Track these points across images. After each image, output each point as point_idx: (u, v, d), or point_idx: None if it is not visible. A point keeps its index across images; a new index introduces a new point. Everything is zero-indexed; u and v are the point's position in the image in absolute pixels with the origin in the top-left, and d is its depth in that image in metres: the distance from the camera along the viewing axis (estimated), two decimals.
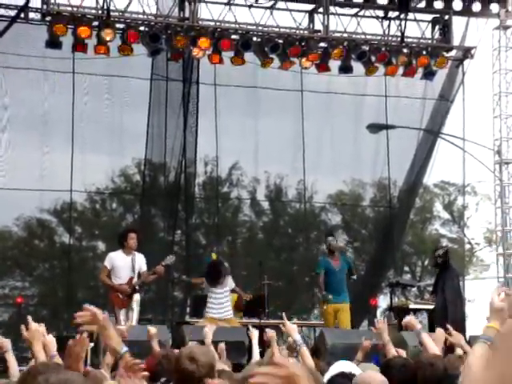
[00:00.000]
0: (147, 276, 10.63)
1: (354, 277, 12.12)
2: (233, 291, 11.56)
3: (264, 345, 7.41)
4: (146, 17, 12.58)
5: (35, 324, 4.62)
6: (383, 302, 16.15)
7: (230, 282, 11.31)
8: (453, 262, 12.23)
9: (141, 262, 10.65)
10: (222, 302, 10.93)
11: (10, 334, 7.77)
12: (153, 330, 7.33)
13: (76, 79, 13.20)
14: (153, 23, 12.48)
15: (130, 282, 10.48)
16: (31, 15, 12.39)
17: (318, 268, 11.95)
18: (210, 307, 10.92)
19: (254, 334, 7.43)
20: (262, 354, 7.50)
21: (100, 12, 12.18)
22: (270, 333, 6.84)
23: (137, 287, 10.54)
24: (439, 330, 6.13)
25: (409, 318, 6.27)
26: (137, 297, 10.58)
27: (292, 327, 5.95)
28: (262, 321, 11.49)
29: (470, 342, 7.06)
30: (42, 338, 4.49)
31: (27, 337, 4.50)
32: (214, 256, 12.19)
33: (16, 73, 12.86)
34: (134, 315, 10.43)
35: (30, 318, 4.73)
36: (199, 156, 14.40)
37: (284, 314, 6.52)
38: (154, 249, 14.33)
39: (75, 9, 12.16)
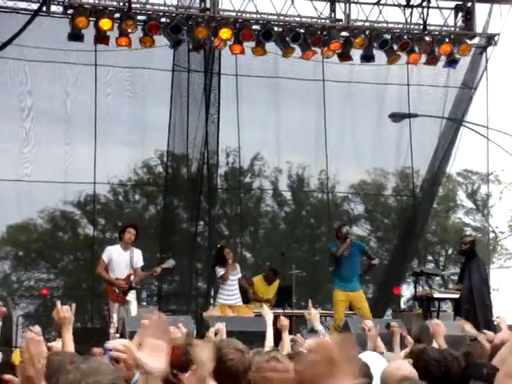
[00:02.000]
0: (144, 275, 10.72)
1: (375, 261, 11.90)
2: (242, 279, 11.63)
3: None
4: (167, 8, 12.58)
5: (66, 307, 4.64)
6: (407, 291, 16.11)
7: (239, 269, 11.43)
8: (478, 252, 12.17)
9: (137, 257, 10.67)
10: (233, 288, 11.07)
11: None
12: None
13: (98, 72, 13.25)
14: (174, 14, 12.48)
15: (128, 279, 10.52)
16: (53, 8, 12.42)
17: (330, 248, 11.93)
18: (222, 293, 11.10)
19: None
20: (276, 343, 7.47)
21: (121, 4, 12.20)
22: (284, 321, 6.76)
23: (133, 285, 10.58)
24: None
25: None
26: (133, 293, 10.63)
27: (315, 317, 5.95)
28: (286, 310, 11.51)
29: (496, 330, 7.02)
30: (70, 326, 4.51)
31: (58, 319, 4.50)
32: (219, 246, 12.25)
33: (38, 66, 12.93)
34: (133, 307, 10.46)
35: (58, 302, 4.75)
36: (221, 147, 14.42)
37: (310, 302, 6.50)
38: (177, 240, 14.39)
39: (97, 1, 12.19)
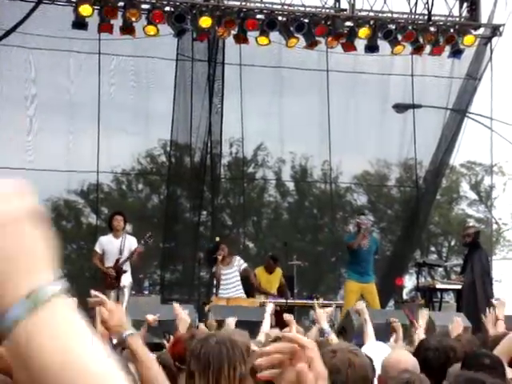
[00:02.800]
0: (129, 258, 10.69)
1: (376, 256, 12.05)
2: (245, 272, 11.54)
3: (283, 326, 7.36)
4: None
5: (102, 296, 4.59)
6: (409, 282, 16.12)
7: (238, 262, 11.37)
8: (481, 243, 12.16)
9: (130, 243, 10.69)
10: (230, 281, 11.09)
11: None
12: (177, 306, 7.24)
13: (102, 60, 13.22)
14: (178, 3, 12.45)
15: (116, 264, 10.59)
16: None
17: (347, 240, 11.96)
18: (220, 287, 11.11)
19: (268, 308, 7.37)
20: None
21: None
22: (288, 317, 6.78)
23: (123, 267, 10.59)
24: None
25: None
26: (127, 280, 10.65)
27: (321, 316, 5.93)
28: (289, 301, 11.51)
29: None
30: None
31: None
32: (217, 239, 12.22)
33: (42, 54, 12.91)
34: (125, 299, 10.48)
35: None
36: (225, 137, 14.39)
37: (316, 303, 6.50)
38: (180, 229, 14.40)
39: None
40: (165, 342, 6.36)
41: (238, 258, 11.49)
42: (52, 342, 0.92)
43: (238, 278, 11.28)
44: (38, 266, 0.96)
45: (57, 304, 0.95)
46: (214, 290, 11.44)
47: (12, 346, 0.92)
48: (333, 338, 5.66)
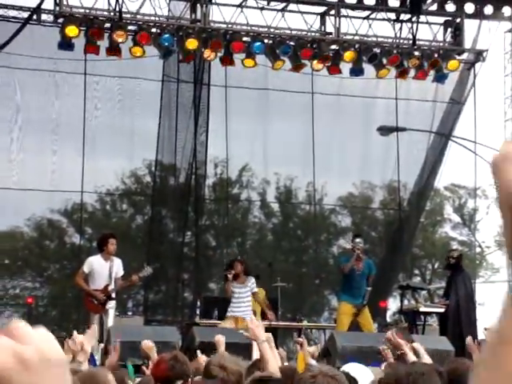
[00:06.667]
0: (122, 284, 10.67)
1: (368, 288, 11.83)
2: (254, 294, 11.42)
3: None
4: (157, 19, 12.61)
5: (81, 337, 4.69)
6: (393, 304, 16.13)
7: (251, 284, 11.28)
8: (464, 266, 12.21)
9: (118, 267, 10.63)
10: (242, 300, 10.98)
11: None
12: (148, 343, 7.10)
13: (87, 80, 13.24)
14: (164, 25, 12.51)
15: (106, 290, 10.48)
16: (43, 17, 12.43)
17: (341, 262, 11.95)
18: (230, 305, 11.01)
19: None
20: None
21: (112, 14, 12.21)
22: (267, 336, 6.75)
23: (112, 295, 10.54)
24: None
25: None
26: (112, 303, 10.59)
27: (308, 352, 5.98)
28: (273, 323, 11.48)
29: (481, 345, 7.04)
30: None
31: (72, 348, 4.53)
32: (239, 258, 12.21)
33: (28, 74, 12.91)
34: (109, 320, 10.42)
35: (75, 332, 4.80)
36: (209, 157, 14.42)
37: (299, 345, 6.48)
38: (164, 250, 14.36)
39: (87, 11, 12.20)
40: (144, 368, 6.35)
41: (252, 279, 11.35)
42: None
43: (250, 298, 11.16)
44: None
45: None
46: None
47: None
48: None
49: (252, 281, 11.27)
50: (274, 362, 4.50)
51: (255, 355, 6.85)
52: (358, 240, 11.90)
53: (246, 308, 11.01)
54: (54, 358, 0.94)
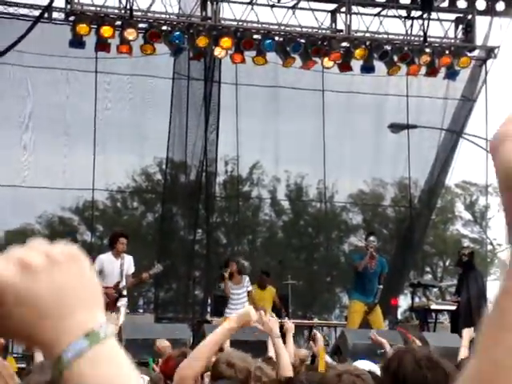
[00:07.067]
0: (132, 282, 10.66)
1: (380, 286, 11.81)
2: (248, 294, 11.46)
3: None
4: (168, 16, 12.62)
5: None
6: (404, 302, 16.11)
7: (246, 283, 11.33)
8: (476, 263, 12.18)
9: (129, 264, 10.61)
10: (240, 301, 11.00)
11: None
12: (163, 342, 7.09)
13: (99, 79, 13.27)
14: (175, 23, 12.51)
15: (117, 287, 10.48)
16: (55, 15, 12.46)
17: (354, 260, 11.93)
18: (228, 307, 11.04)
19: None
20: None
21: (123, 12, 12.23)
22: (288, 324, 6.73)
23: (123, 292, 10.55)
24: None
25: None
26: (124, 300, 10.61)
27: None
28: (283, 320, 11.47)
29: None
30: None
31: None
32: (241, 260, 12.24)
33: (39, 72, 12.95)
34: (121, 318, 10.43)
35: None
36: (220, 155, 14.43)
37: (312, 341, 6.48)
38: (175, 247, 14.38)
39: (98, 8, 12.22)
40: (154, 366, 6.38)
41: (247, 278, 11.40)
42: (107, 382, 0.91)
43: (246, 298, 11.21)
44: (94, 304, 0.96)
45: (111, 345, 0.94)
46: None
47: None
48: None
49: (247, 279, 11.35)
50: (287, 358, 4.50)
51: (271, 352, 6.85)
52: (371, 238, 11.85)
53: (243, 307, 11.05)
54: (68, 256, 0.95)
